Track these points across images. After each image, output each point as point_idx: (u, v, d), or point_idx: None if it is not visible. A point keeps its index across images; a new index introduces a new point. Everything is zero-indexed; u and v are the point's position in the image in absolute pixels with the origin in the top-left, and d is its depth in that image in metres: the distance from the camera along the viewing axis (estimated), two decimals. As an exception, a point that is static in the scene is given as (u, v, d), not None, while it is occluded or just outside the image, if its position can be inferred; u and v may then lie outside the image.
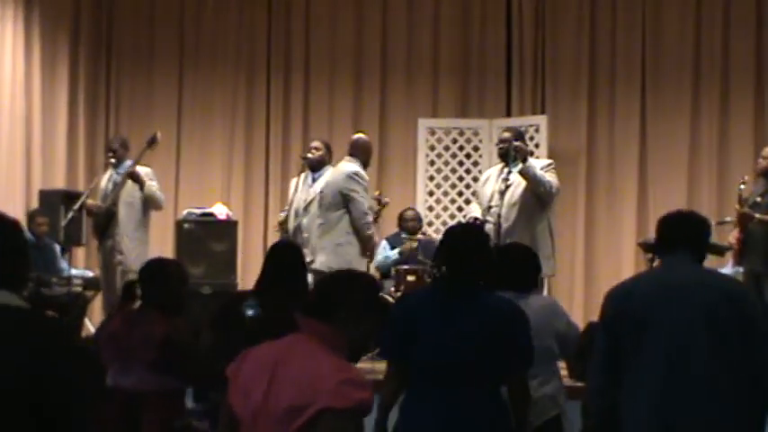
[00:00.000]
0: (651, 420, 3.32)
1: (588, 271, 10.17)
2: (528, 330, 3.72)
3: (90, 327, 8.63)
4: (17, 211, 8.66)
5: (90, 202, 8.17)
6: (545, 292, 7.61)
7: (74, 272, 8.77)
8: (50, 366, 2.36)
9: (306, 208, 7.65)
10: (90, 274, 9.03)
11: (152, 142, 8.06)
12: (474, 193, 8.52)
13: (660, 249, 3.59)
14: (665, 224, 3.62)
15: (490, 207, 6.78)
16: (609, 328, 3.49)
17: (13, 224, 2.59)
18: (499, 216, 6.67)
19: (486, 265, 3.81)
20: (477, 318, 3.67)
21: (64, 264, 8.74)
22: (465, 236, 3.92)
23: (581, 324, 8.46)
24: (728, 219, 8.28)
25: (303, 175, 7.88)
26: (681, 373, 3.30)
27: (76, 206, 8.21)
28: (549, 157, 9.21)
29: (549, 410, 4.24)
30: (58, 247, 8.73)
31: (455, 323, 3.68)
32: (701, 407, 3.27)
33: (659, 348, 3.34)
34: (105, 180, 8.23)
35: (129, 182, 7.95)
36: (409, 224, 9.00)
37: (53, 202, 8.97)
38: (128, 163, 8.10)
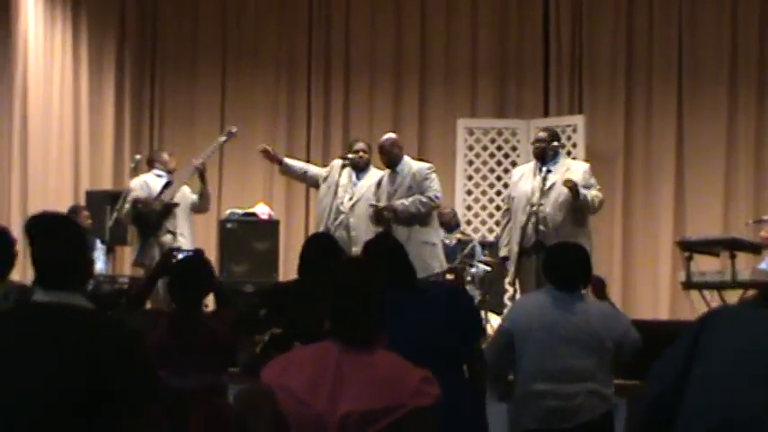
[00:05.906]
0: (709, 413, 3.34)
1: (625, 270, 10.16)
2: None
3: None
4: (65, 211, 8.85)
5: (140, 195, 7.87)
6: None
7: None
8: (116, 365, 2.39)
9: (352, 207, 7.73)
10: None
11: (230, 136, 8.27)
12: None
13: None
14: None
15: (532, 205, 6.86)
16: (696, 324, 3.55)
17: (76, 223, 2.64)
18: (537, 215, 6.78)
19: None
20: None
21: (101, 261, 8.74)
22: None
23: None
24: (765, 217, 8.35)
25: (345, 173, 7.73)
26: (739, 373, 3.33)
27: (127, 204, 7.87)
28: (587, 158, 9.28)
29: (600, 408, 4.34)
30: (99, 244, 8.83)
31: None
32: (759, 403, 3.28)
33: (719, 348, 3.39)
34: (152, 178, 8.08)
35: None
36: (445, 218, 9.05)
37: (100, 202, 9.07)
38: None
